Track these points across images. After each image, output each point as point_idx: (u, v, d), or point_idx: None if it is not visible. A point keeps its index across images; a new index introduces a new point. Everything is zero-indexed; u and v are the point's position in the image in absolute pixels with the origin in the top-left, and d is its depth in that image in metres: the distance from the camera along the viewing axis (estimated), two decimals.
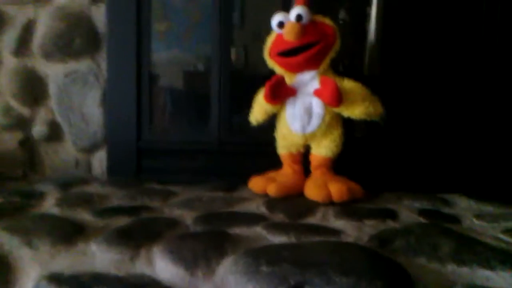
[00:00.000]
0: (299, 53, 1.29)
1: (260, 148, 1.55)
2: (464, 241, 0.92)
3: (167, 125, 1.91)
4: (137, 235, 0.95)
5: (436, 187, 1.44)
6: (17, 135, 1.75)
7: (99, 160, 1.72)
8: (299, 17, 1.28)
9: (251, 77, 1.45)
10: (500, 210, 1.22)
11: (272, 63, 1.39)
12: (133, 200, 1.30)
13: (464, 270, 0.81)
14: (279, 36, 1.33)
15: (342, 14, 1.94)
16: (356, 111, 1.26)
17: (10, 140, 1.74)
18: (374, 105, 1.26)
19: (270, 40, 1.38)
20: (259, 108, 1.39)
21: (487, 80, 1.48)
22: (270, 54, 1.38)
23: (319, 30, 1.30)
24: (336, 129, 1.33)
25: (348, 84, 1.29)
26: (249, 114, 1.44)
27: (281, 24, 1.32)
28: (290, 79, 1.35)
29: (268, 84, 1.29)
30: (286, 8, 1.35)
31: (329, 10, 1.38)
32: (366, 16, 2.23)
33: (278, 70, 1.37)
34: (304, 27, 1.28)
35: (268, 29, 1.38)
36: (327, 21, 1.34)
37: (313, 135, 1.34)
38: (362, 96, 1.26)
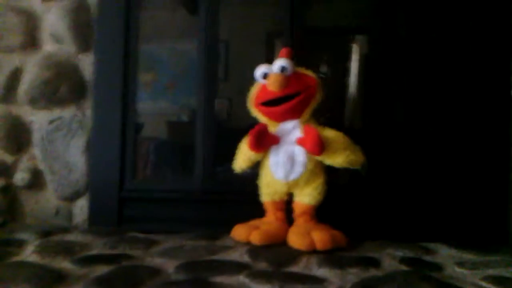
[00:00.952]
0: (282, 103, 1.33)
1: (243, 197, 1.55)
2: None
3: (151, 174, 1.91)
4: (117, 284, 0.93)
5: (418, 236, 1.45)
6: None
7: (80, 209, 1.70)
8: (282, 69, 1.33)
9: (235, 129, 1.47)
10: (480, 258, 1.23)
11: (256, 112, 1.42)
12: (114, 248, 1.28)
13: None
14: (263, 87, 1.37)
15: (323, 68, 2.00)
16: (338, 159, 1.28)
17: None
18: (356, 154, 1.29)
19: (254, 91, 1.42)
20: (243, 156, 1.41)
21: (465, 132, 1.53)
22: (254, 104, 1.41)
23: (301, 81, 1.35)
24: (319, 177, 1.35)
25: (330, 133, 1.32)
26: (233, 163, 1.45)
27: (265, 75, 1.36)
28: (273, 128, 1.38)
29: (252, 133, 1.32)
30: (270, 62, 1.39)
31: (310, 65, 1.43)
32: (346, 71, 2.31)
33: (262, 119, 1.40)
34: (287, 78, 1.32)
35: (252, 83, 1.43)
36: (309, 73, 1.38)
37: (296, 182, 1.35)
38: (344, 145, 1.30)
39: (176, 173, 2.02)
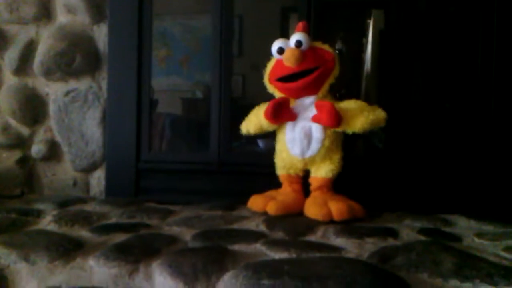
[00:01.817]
0: (299, 79, 1.30)
1: (259, 169, 1.54)
2: (466, 258, 0.90)
3: (167, 146, 1.92)
4: (135, 251, 0.94)
5: (436, 208, 1.43)
6: (16, 154, 1.74)
7: (97, 180, 1.72)
8: (298, 43, 1.30)
9: (249, 105, 1.45)
10: (500, 229, 1.22)
11: (271, 88, 1.39)
12: (132, 218, 1.29)
13: (467, 286, 0.80)
14: (279, 62, 1.34)
15: (338, 45, 1.97)
16: (358, 124, 1.25)
17: (8, 159, 1.74)
18: (375, 112, 1.26)
19: (270, 66, 1.40)
20: (256, 121, 1.39)
21: (484, 102, 1.50)
22: (269, 80, 1.39)
23: (318, 56, 1.32)
24: (335, 153, 1.34)
25: (343, 103, 1.30)
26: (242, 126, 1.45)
27: (281, 50, 1.33)
28: (290, 104, 1.36)
29: (272, 102, 1.30)
30: (285, 37, 1.36)
31: (326, 40, 1.39)
32: (363, 46, 2.27)
33: (278, 95, 1.38)
34: (303, 53, 1.29)
35: (266, 59, 1.40)
36: (326, 47, 1.35)
37: (312, 159, 1.34)
38: (360, 107, 1.27)
39: (192, 147, 2.02)
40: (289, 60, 1.29)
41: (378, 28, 2.32)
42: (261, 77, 1.42)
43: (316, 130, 1.31)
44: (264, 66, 1.41)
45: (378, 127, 1.30)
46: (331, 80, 1.34)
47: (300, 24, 1.36)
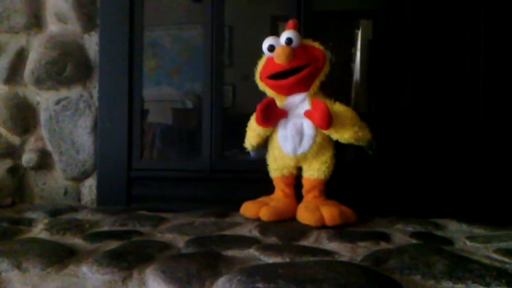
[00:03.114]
0: (289, 76, 1.31)
1: (251, 176, 1.55)
2: (458, 260, 0.91)
3: (158, 155, 1.91)
4: (129, 257, 0.93)
5: (427, 212, 1.44)
6: (6, 163, 1.73)
7: (89, 189, 1.71)
8: (289, 41, 1.31)
9: (240, 115, 1.46)
10: (491, 232, 1.23)
11: (263, 86, 1.40)
12: (124, 225, 1.28)
13: (460, 287, 0.81)
14: (270, 59, 1.35)
15: (327, 54, 1.98)
16: (345, 135, 1.27)
17: None
18: (363, 130, 1.28)
19: (261, 63, 1.40)
20: (252, 133, 1.40)
21: (472, 108, 1.52)
22: (261, 77, 1.39)
23: (308, 53, 1.33)
24: (327, 150, 1.34)
25: (339, 107, 1.31)
26: (242, 145, 1.45)
27: (271, 48, 1.34)
28: (281, 101, 1.37)
29: (258, 107, 1.30)
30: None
31: None
32: (353, 56, 2.28)
33: (269, 92, 1.39)
34: (294, 50, 1.30)
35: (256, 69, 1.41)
36: (317, 45, 1.36)
37: (304, 156, 1.34)
38: (353, 120, 1.28)
39: (183, 155, 2.02)
40: (279, 58, 1.30)
41: (367, 38, 2.34)
42: (252, 87, 1.43)
43: (308, 127, 1.32)
44: (254, 76, 1.42)
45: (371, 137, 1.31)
46: (321, 77, 1.35)
47: (290, 22, 1.37)
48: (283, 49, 1.29)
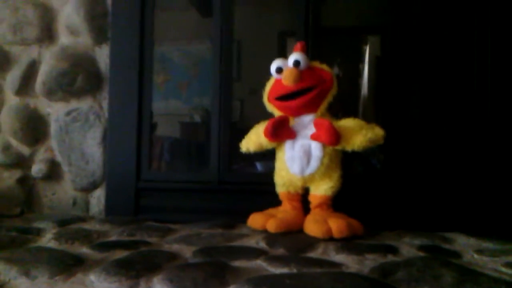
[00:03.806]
0: (297, 97, 1.32)
1: (259, 188, 1.55)
2: (466, 273, 0.91)
3: (167, 166, 1.92)
4: (136, 266, 0.94)
5: (435, 226, 1.44)
6: (16, 174, 1.75)
7: (97, 199, 1.72)
8: (296, 63, 1.32)
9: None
10: (499, 246, 1.22)
11: (271, 107, 1.41)
12: (132, 236, 1.29)
13: None
14: (278, 81, 1.36)
15: (335, 70, 2.00)
16: (357, 141, 1.27)
17: (8, 178, 1.74)
18: (373, 130, 1.28)
19: (269, 85, 1.42)
20: (255, 139, 1.40)
21: (481, 121, 1.51)
22: (269, 99, 1.41)
23: (316, 75, 1.34)
24: (335, 171, 1.35)
25: (342, 122, 1.32)
26: (242, 144, 1.45)
27: (279, 70, 1.35)
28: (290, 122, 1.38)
29: (271, 120, 1.32)
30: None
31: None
32: (361, 70, 2.30)
33: (277, 113, 1.40)
34: (301, 72, 1.31)
35: (264, 84, 1.43)
36: (324, 67, 1.38)
37: (312, 177, 1.35)
38: (359, 125, 1.29)
39: (191, 167, 2.03)
40: (287, 79, 1.31)
41: (374, 54, 2.36)
42: (260, 101, 1.44)
43: (316, 148, 1.33)
44: (262, 90, 1.43)
45: (376, 147, 1.31)
46: (329, 99, 1.36)
47: (298, 45, 1.39)
48: (291, 71, 1.31)
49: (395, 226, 1.43)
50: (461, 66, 1.54)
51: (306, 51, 1.39)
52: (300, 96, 1.32)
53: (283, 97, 1.35)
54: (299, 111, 1.36)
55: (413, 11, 1.57)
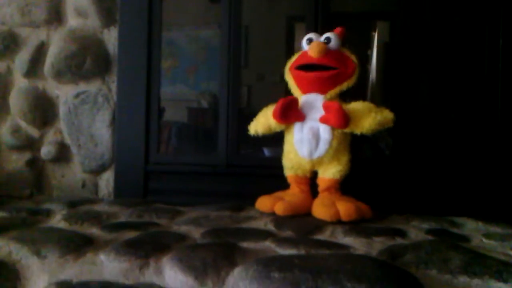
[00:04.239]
0: (316, 71, 1.32)
1: (267, 171, 1.56)
2: (474, 256, 0.91)
3: (175, 149, 1.93)
4: (146, 246, 0.94)
5: (444, 210, 1.44)
6: (25, 156, 1.76)
7: (106, 182, 1.73)
8: (327, 40, 1.34)
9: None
10: (508, 231, 1.21)
11: (288, 76, 1.41)
12: (141, 217, 1.29)
13: (476, 282, 0.81)
14: (304, 53, 1.37)
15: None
16: (365, 124, 1.27)
17: (18, 160, 1.76)
18: (382, 113, 1.28)
19: (295, 56, 1.42)
20: (264, 121, 1.40)
21: (490, 106, 1.50)
22: (290, 67, 1.40)
23: (341, 59, 1.34)
24: (343, 154, 1.34)
25: (350, 105, 1.32)
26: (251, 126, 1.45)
27: (309, 41, 1.36)
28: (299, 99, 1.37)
29: (280, 101, 1.31)
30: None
31: None
32: (368, 57, 2.28)
33: (290, 84, 1.40)
34: (328, 50, 1.32)
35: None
36: (353, 57, 1.37)
37: (320, 160, 1.34)
38: (368, 108, 1.29)
39: (199, 150, 2.03)
40: (312, 50, 1.32)
41: (383, 40, 2.34)
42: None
43: (324, 131, 1.32)
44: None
45: (385, 132, 1.31)
46: (343, 87, 1.35)
47: (338, 28, 1.40)
48: (318, 43, 1.32)
49: (404, 210, 1.43)
50: (471, 52, 1.52)
51: (342, 36, 1.38)
52: (320, 71, 1.32)
53: (303, 67, 1.35)
54: (312, 86, 1.35)
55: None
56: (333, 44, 1.33)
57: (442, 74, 1.54)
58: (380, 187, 1.51)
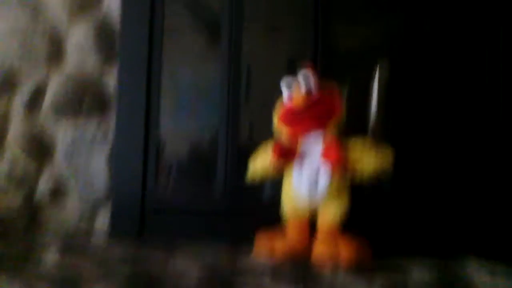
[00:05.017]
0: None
1: (266, 211, 1.53)
2: None
3: (173, 187, 1.91)
4: (140, 282, 0.92)
5: (446, 249, 1.41)
6: (22, 191, 1.75)
7: (102, 218, 1.71)
8: (309, 92, 1.32)
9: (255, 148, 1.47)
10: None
11: (280, 128, 1.41)
12: (136, 253, 1.28)
13: None
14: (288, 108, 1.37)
15: (344, 91, 2.00)
16: (364, 163, 1.26)
17: (15, 195, 1.74)
18: (382, 153, 1.27)
19: (277, 112, 1.42)
20: (262, 162, 1.39)
21: (490, 142, 1.50)
22: (278, 122, 1.41)
23: (325, 99, 1.35)
24: (343, 196, 1.33)
25: (351, 142, 1.31)
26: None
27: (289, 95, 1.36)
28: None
29: (276, 141, 1.34)
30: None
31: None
32: (370, 93, 2.30)
33: (285, 136, 1.40)
34: (311, 99, 1.32)
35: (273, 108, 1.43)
36: (334, 88, 1.38)
37: (320, 201, 1.32)
38: (368, 146, 1.29)
39: (198, 189, 2.02)
40: (298, 105, 1.32)
41: (384, 75, 2.37)
42: (268, 124, 1.43)
43: (324, 172, 1.31)
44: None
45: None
46: (336, 120, 1.35)
47: (307, 64, 1.40)
48: (303, 98, 1.32)
49: (405, 250, 1.40)
50: (472, 85, 1.53)
51: (313, 69, 1.38)
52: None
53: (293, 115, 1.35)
54: (308, 125, 1.34)
55: (422, 35, 1.58)
56: (314, 88, 1.33)
57: (443, 110, 1.53)
58: (380, 226, 1.48)
